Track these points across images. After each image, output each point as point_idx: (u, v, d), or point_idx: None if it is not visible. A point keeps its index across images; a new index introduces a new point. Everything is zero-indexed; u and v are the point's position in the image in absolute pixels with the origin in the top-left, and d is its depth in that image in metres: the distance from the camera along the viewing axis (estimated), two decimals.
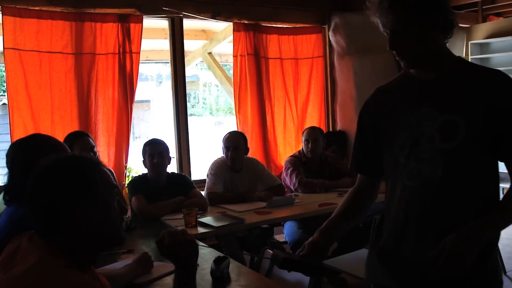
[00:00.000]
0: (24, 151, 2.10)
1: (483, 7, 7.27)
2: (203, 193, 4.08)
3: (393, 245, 1.80)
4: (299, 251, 1.81)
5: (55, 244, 1.35)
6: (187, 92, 5.32)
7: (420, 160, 1.69)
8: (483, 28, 7.14)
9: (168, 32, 5.16)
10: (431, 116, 1.67)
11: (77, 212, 1.36)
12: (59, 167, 1.40)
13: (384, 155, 1.83)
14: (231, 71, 5.65)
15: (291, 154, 4.85)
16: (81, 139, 3.55)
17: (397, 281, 1.80)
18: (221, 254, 2.40)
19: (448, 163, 1.64)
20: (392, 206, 1.80)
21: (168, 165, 3.88)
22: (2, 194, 2.16)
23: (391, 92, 1.88)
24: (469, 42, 7.09)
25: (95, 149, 3.64)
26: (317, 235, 1.85)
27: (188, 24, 5.49)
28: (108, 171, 1.52)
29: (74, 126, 4.41)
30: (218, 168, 4.23)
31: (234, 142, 4.27)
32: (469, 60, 6.97)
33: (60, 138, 3.51)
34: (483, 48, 7.16)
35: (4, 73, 4.32)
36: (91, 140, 3.63)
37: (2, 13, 4.16)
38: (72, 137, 3.56)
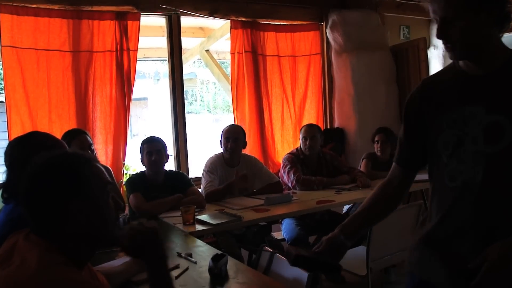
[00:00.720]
0: (22, 149, 2.10)
1: None
2: (200, 190, 4.08)
3: (432, 245, 1.72)
4: (316, 247, 1.74)
5: (51, 242, 1.35)
6: (184, 89, 5.32)
7: (462, 161, 1.60)
8: None
9: (165, 29, 5.16)
10: (477, 115, 1.58)
11: (70, 210, 1.36)
12: (50, 165, 1.40)
13: (427, 150, 1.75)
14: (229, 69, 5.65)
15: (288, 151, 4.85)
16: (78, 137, 3.55)
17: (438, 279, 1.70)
18: (219, 252, 2.40)
19: (490, 168, 1.54)
20: (433, 205, 1.74)
21: (166, 163, 3.87)
22: (0, 191, 2.16)
23: (438, 85, 1.75)
24: None
25: (92, 147, 3.63)
26: (337, 230, 1.77)
27: (186, 21, 5.49)
28: (103, 168, 1.52)
29: (72, 124, 4.41)
30: (212, 165, 4.24)
31: (234, 134, 4.28)
32: None
33: (58, 136, 3.51)
34: None
35: (1, 71, 4.32)
36: (88, 138, 3.63)
37: None
38: (70, 135, 3.56)
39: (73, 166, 1.41)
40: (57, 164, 1.41)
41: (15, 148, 2.14)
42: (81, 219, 1.38)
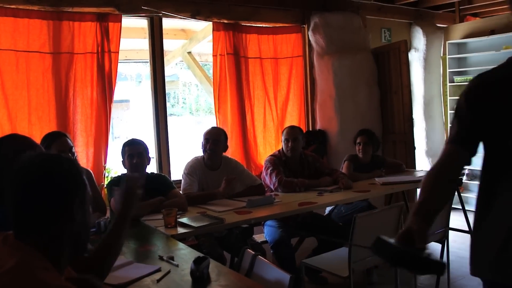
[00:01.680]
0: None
1: (460, 8, 7.38)
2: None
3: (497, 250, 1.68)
4: (419, 242, 1.66)
5: (35, 247, 1.33)
6: (166, 91, 5.30)
7: None
8: (460, 28, 7.23)
9: (147, 31, 5.14)
10: None
11: (70, 212, 1.37)
12: (51, 166, 1.39)
13: (494, 144, 1.72)
14: (211, 71, 5.64)
15: (271, 153, 4.85)
16: (59, 140, 3.50)
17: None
18: (201, 254, 2.39)
19: None
20: (494, 208, 1.71)
21: (148, 166, 3.85)
22: None
23: (502, 80, 1.73)
24: (447, 42, 7.18)
25: (73, 150, 3.59)
26: (419, 219, 1.71)
27: (168, 23, 5.48)
28: (84, 171, 1.52)
29: (52, 127, 4.37)
30: (192, 168, 4.20)
31: (215, 135, 4.25)
32: (447, 60, 7.08)
33: (38, 138, 3.48)
34: (460, 47, 7.25)
35: None
36: (69, 141, 3.59)
37: None
38: (50, 138, 3.52)
39: (74, 168, 1.42)
40: (59, 165, 1.40)
41: None
42: (77, 223, 1.39)
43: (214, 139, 4.22)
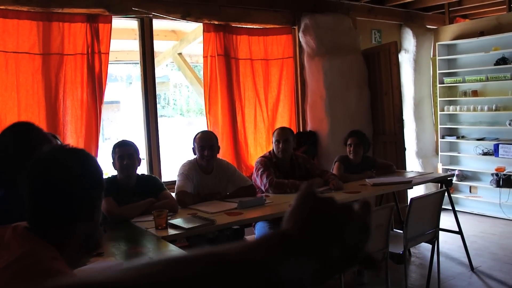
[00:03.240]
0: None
1: (450, 9, 7.42)
2: (173, 194, 4.05)
3: None
4: None
5: (46, 239, 1.33)
6: (157, 93, 5.29)
7: None
8: (450, 30, 7.27)
9: (137, 32, 5.12)
10: None
11: (89, 212, 1.39)
12: (83, 158, 1.41)
13: None
14: (202, 72, 5.63)
15: (261, 154, 4.85)
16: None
17: None
18: None
19: None
20: None
21: (138, 167, 3.84)
22: None
23: None
24: (437, 43, 7.22)
25: None
26: None
27: (158, 24, 5.46)
28: None
29: (42, 128, 4.33)
30: (188, 169, 4.19)
31: (209, 141, 4.23)
32: (437, 61, 7.12)
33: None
34: (450, 49, 7.29)
35: None
36: (59, 142, 3.57)
37: None
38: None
39: (99, 169, 1.45)
40: (90, 159, 1.43)
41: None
42: (94, 222, 1.41)
43: (210, 145, 4.19)
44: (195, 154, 4.25)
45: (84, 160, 1.42)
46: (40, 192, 1.35)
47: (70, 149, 1.44)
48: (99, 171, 1.43)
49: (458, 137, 7.24)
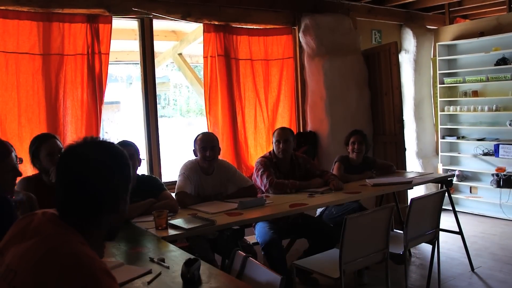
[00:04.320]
0: None
1: (450, 10, 7.42)
2: (173, 194, 4.05)
3: None
4: None
5: (73, 226, 1.38)
6: (157, 93, 5.29)
7: None
8: (450, 30, 7.27)
9: (137, 33, 5.12)
10: None
11: (116, 204, 1.45)
12: (104, 152, 1.45)
13: None
14: (202, 72, 5.63)
15: (262, 155, 4.84)
16: (48, 142, 3.47)
17: None
18: (192, 256, 2.39)
19: None
20: None
21: (138, 167, 3.84)
22: None
23: None
24: (437, 44, 7.22)
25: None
26: None
27: (158, 25, 5.46)
28: None
29: (42, 128, 4.34)
30: (189, 170, 4.18)
31: (211, 142, 4.22)
32: (437, 61, 7.12)
33: (27, 140, 3.46)
34: (450, 49, 7.29)
35: None
36: (59, 143, 3.56)
37: None
38: (40, 140, 3.48)
39: (122, 156, 1.48)
40: (116, 153, 1.47)
41: None
42: (119, 215, 1.47)
43: (211, 146, 4.18)
44: (196, 155, 4.25)
45: (109, 154, 1.45)
46: (66, 184, 1.40)
47: (96, 142, 1.49)
48: (124, 165, 1.47)
49: (458, 138, 7.24)
